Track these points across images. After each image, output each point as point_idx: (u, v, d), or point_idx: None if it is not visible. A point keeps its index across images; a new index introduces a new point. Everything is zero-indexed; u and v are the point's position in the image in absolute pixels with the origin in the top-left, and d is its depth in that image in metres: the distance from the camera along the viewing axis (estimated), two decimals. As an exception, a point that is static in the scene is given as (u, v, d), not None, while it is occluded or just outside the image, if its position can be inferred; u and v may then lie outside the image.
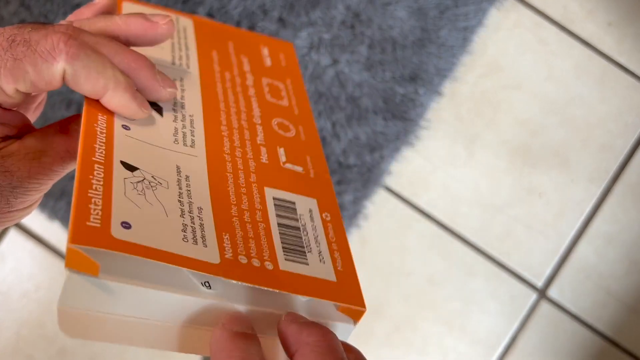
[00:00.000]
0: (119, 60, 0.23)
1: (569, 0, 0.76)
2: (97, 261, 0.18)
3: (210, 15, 0.69)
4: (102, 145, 0.21)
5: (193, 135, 0.24)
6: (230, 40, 0.31)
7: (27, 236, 0.69)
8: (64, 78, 0.22)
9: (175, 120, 0.24)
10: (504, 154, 0.74)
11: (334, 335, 0.19)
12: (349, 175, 0.70)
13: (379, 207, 0.72)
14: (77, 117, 0.25)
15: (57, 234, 0.68)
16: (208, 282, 0.20)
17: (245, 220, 0.22)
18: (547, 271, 0.73)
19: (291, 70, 0.32)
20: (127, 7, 0.28)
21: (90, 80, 0.22)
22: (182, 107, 0.25)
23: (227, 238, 0.21)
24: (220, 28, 0.31)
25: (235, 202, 0.22)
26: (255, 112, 0.27)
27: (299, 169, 0.26)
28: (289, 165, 0.25)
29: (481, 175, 0.73)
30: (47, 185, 0.25)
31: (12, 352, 0.68)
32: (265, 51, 0.31)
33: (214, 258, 0.20)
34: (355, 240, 0.71)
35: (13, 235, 0.69)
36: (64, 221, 0.68)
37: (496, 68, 0.75)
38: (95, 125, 0.22)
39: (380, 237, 0.72)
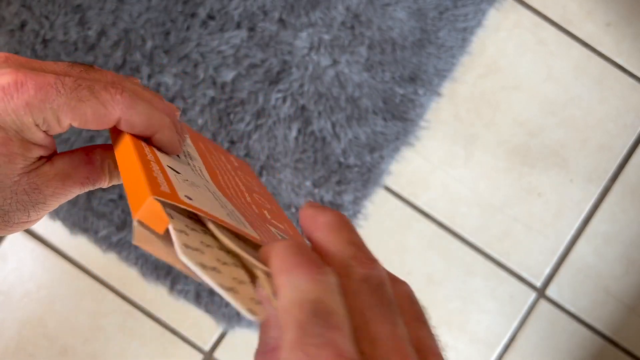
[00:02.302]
0: (157, 106, 0.28)
1: (568, 0, 0.76)
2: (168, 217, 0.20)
3: (210, 16, 0.70)
4: (150, 153, 0.26)
5: (207, 180, 0.29)
6: (206, 141, 0.37)
7: (29, 236, 0.69)
8: (119, 122, 0.27)
9: (188, 164, 0.30)
10: (503, 154, 0.74)
11: (345, 217, 0.22)
12: (349, 175, 0.70)
13: (378, 207, 0.72)
14: (99, 147, 0.30)
15: (59, 234, 0.69)
16: None
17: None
18: (546, 271, 0.73)
19: (254, 178, 0.38)
20: None
21: (143, 124, 0.27)
22: (191, 158, 0.31)
23: (260, 232, 0.24)
24: (196, 133, 0.37)
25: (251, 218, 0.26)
26: (239, 183, 0.33)
27: (280, 226, 0.30)
28: (271, 227, 0.30)
29: (480, 175, 0.74)
30: (59, 203, 0.29)
31: (14, 351, 0.68)
32: (232, 158, 0.37)
33: (255, 235, 0.23)
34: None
35: (14, 235, 0.69)
36: (65, 221, 0.68)
37: (495, 68, 0.75)
38: (140, 142, 0.27)
39: (380, 237, 0.72)
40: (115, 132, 0.29)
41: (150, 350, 0.69)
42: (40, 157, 0.27)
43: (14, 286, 0.69)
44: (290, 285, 0.18)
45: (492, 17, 0.75)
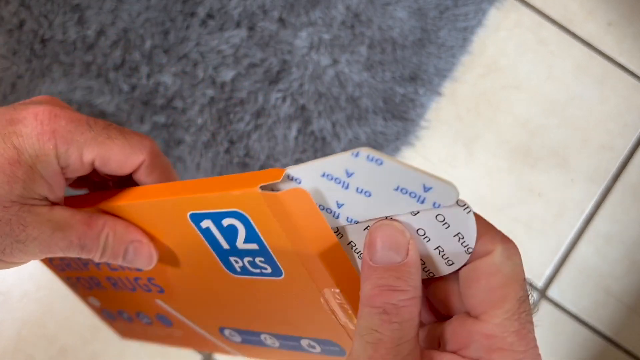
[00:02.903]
0: None
1: (569, 0, 0.76)
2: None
3: (210, 15, 0.69)
4: None
5: None
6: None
7: (28, 236, 0.69)
8: (138, 168, 0.27)
9: None
10: (504, 154, 0.74)
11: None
12: (348, 176, 0.70)
13: (379, 207, 0.72)
14: (106, 217, 0.29)
15: (58, 234, 0.69)
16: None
17: None
18: (547, 271, 0.73)
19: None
20: None
21: (164, 174, 0.28)
22: None
23: None
24: None
25: None
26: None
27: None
28: None
29: (481, 176, 0.73)
30: (38, 255, 0.26)
31: (13, 352, 0.68)
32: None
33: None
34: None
35: (13, 235, 0.69)
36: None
37: (496, 68, 0.75)
38: None
39: (380, 237, 0.72)
40: (114, 198, 0.28)
41: (149, 351, 0.69)
42: (44, 199, 0.26)
43: (13, 286, 0.68)
44: (511, 257, 0.23)
45: (493, 16, 0.74)
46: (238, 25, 0.69)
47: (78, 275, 0.41)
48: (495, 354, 0.21)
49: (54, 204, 0.27)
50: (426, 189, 0.21)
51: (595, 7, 0.76)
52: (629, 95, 0.75)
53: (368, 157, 0.21)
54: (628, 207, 0.74)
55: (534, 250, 0.73)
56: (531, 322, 0.22)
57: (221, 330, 0.34)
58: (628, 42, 0.75)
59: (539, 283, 0.73)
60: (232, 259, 0.27)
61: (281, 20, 0.70)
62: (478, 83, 0.74)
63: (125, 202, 0.28)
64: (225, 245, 0.26)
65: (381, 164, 0.21)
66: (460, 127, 0.74)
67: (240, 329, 0.32)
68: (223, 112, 0.69)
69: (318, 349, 0.28)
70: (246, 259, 0.26)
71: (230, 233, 0.25)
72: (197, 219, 0.26)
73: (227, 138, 0.69)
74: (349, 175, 0.21)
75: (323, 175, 0.22)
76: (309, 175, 0.22)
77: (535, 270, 0.73)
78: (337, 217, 0.23)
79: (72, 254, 0.27)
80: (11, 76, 0.67)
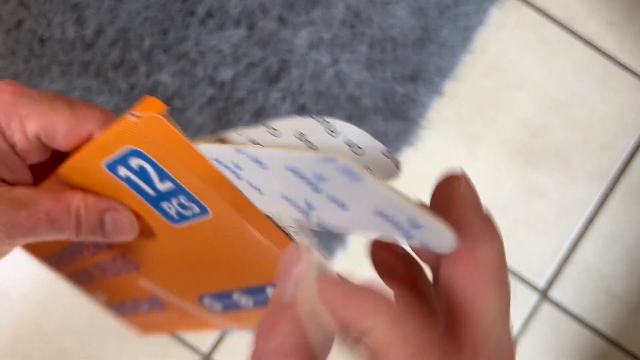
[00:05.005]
0: None
1: (570, -1, 0.76)
2: None
3: (209, 14, 0.69)
4: None
5: None
6: None
7: (26, 236, 0.68)
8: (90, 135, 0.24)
9: None
10: (505, 154, 0.73)
11: None
12: (349, 175, 0.70)
13: (379, 208, 0.72)
14: (76, 191, 0.26)
15: (56, 234, 0.68)
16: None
17: None
18: (549, 272, 0.73)
19: None
20: None
21: None
22: None
23: None
24: None
25: None
26: None
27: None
28: None
29: (482, 176, 0.73)
30: (4, 245, 0.24)
31: (11, 352, 0.68)
32: None
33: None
34: (356, 240, 0.71)
35: (12, 235, 0.68)
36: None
37: (497, 67, 0.74)
38: None
39: (381, 238, 0.72)
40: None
41: (148, 352, 0.69)
42: (2, 179, 0.24)
43: (11, 286, 0.68)
44: (492, 247, 0.20)
45: (494, 15, 0.74)
46: (237, 24, 0.69)
47: (74, 271, 0.39)
48: None
49: (14, 185, 0.25)
50: (414, 226, 0.16)
51: (596, 6, 0.75)
52: (630, 94, 0.75)
53: (342, 168, 0.16)
54: (629, 208, 0.74)
55: (536, 251, 0.72)
56: None
57: (201, 299, 0.31)
58: (629, 42, 0.75)
59: (540, 283, 0.72)
60: (164, 205, 0.24)
61: (281, 20, 0.70)
62: (479, 82, 0.74)
63: (56, 171, 0.26)
64: (150, 191, 0.23)
65: (357, 180, 0.16)
66: (461, 127, 0.73)
67: (215, 292, 0.29)
68: (222, 112, 0.69)
69: None
70: (174, 201, 0.23)
71: (144, 175, 0.23)
72: (112, 168, 0.23)
73: (226, 138, 0.69)
74: (320, 179, 0.17)
75: (289, 170, 0.18)
76: (273, 161, 0.18)
77: (537, 270, 0.72)
78: (309, 219, 0.19)
79: (44, 234, 0.24)
80: (10, 76, 0.66)
